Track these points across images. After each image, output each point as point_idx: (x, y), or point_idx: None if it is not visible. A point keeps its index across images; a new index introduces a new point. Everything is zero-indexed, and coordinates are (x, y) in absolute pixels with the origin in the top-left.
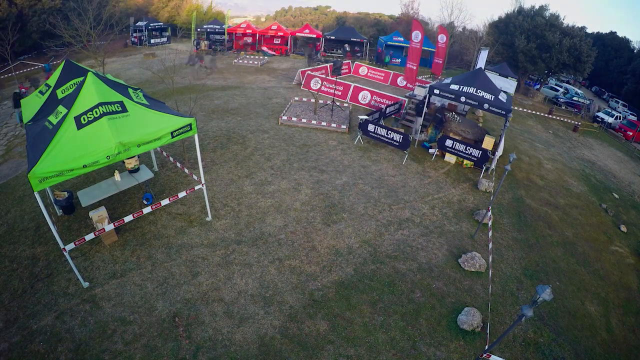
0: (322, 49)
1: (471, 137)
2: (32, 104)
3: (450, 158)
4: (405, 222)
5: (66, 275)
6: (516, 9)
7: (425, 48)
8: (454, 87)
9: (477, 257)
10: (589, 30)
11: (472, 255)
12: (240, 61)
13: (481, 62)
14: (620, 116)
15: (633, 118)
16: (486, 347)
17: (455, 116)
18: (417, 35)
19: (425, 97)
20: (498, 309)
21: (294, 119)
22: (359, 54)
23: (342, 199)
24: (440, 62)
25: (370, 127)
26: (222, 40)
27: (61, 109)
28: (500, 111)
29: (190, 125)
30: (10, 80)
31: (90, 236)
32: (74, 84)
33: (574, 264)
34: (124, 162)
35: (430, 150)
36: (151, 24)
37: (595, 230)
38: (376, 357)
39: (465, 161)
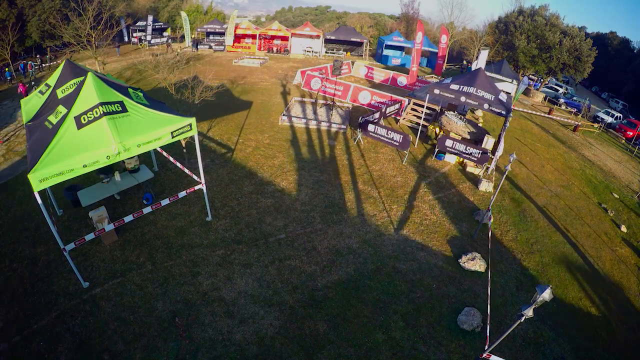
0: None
1: (471, 137)
2: (32, 104)
3: (450, 158)
4: (405, 222)
5: (66, 275)
6: (516, 9)
7: (425, 48)
8: (454, 87)
9: (477, 257)
10: (589, 30)
11: (472, 256)
12: (240, 62)
13: (481, 62)
14: (619, 116)
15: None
16: (486, 347)
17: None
18: (419, 37)
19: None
20: (498, 309)
21: (293, 118)
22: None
23: (342, 199)
24: (441, 62)
25: (370, 127)
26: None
27: (61, 109)
28: (500, 111)
29: (190, 125)
30: (10, 80)
31: (90, 236)
32: (74, 83)
33: (574, 264)
34: (124, 162)
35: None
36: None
37: (595, 230)
38: (376, 357)
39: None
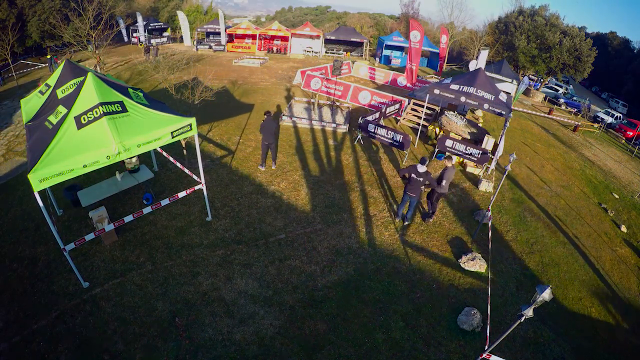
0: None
1: (471, 137)
2: (32, 104)
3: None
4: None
5: (66, 275)
6: (516, 9)
7: (425, 48)
8: (454, 87)
9: (477, 257)
10: (589, 30)
11: (472, 256)
12: (240, 62)
13: (481, 62)
14: (620, 116)
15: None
16: (486, 347)
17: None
18: (415, 35)
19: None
20: (498, 309)
21: (293, 119)
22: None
23: (342, 199)
24: (441, 62)
25: (370, 127)
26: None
27: (61, 109)
28: (500, 111)
29: (190, 125)
30: (10, 80)
31: (90, 236)
32: (74, 83)
33: (574, 264)
34: (124, 162)
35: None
36: (151, 24)
37: (595, 231)
38: (376, 357)
39: None
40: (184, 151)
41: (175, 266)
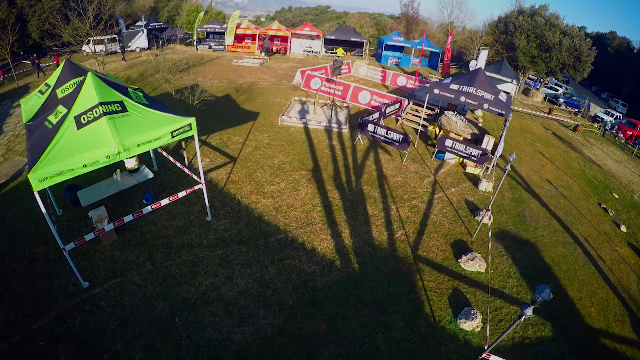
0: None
1: (471, 138)
2: (32, 104)
3: (450, 158)
4: (405, 222)
5: (66, 275)
6: (516, 9)
7: (426, 49)
8: (454, 87)
9: (477, 257)
10: (589, 31)
11: (472, 256)
12: (240, 62)
13: (481, 62)
14: (619, 116)
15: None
16: (486, 347)
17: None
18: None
19: None
20: (498, 309)
21: (293, 119)
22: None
23: (342, 199)
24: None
25: (370, 127)
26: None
27: (61, 109)
28: (500, 111)
29: (190, 125)
30: (10, 80)
31: (90, 236)
32: (74, 83)
33: (574, 264)
34: (124, 162)
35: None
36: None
37: (595, 230)
38: (376, 357)
39: None
40: (184, 151)
41: (175, 266)
